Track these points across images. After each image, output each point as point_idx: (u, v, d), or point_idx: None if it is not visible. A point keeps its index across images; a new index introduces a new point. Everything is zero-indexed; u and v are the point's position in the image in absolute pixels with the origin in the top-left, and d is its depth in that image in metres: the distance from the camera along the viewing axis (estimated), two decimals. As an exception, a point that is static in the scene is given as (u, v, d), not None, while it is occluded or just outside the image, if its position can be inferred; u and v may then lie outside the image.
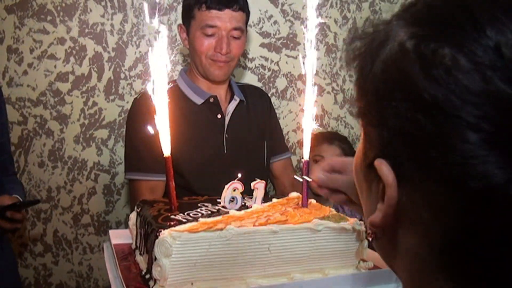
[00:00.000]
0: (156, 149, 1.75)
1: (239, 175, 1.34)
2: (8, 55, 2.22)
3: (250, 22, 2.52)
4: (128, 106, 2.40)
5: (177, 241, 1.06)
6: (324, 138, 2.40)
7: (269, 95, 2.61)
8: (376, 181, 0.54)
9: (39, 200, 1.77)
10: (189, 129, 1.84)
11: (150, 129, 1.23)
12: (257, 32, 2.58)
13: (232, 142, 1.91)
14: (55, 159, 2.34)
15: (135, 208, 1.39)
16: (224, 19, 1.79)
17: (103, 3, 2.33)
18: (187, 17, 1.85)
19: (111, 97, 2.39)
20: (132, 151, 1.87)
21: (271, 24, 2.61)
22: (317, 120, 2.73)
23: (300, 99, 2.70)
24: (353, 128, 2.80)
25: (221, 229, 1.11)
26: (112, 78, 2.38)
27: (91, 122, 2.37)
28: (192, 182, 1.84)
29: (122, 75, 2.40)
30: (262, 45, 2.61)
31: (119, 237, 1.45)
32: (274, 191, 2.36)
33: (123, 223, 2.46)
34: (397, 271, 0.58)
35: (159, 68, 1.25)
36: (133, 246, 1.33)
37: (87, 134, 2.37)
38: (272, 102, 2.62)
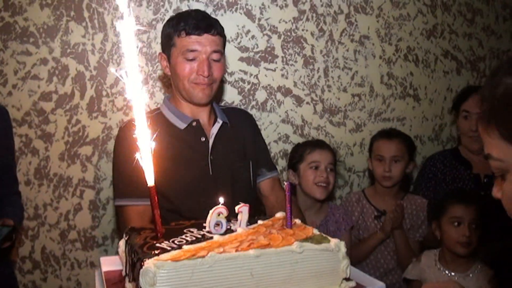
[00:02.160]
0: (143, 175, 1.81)
1: (221, 200, 1.38)
2: (-8, 77, 2.28)
3: (228, 37, 2.59)
4: (110, 123, 2.47)
5: (161, 270, 1.11)
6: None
7: (250, 107, 2.69)
8: None
9: (11, 226, 1.78)
10: (174, 153, 1.88)
11: (137, 155, 1.28)
12: (235, 46, 2.66)
13: (217, 163, 1.96)
14: (41, 177, 2.39)
15: (123, 235, 1.42)
16: (204, 43, 1.86)
17: (83, 24, 2.40)
18: (167, 45, 1.92)
19: (94, 114, 2.45)
20: (120, 178, 1.91)
21: (249, 39, 2.68)
22: (298, 130, 2.83)
23: (280, 110, 2.78)
24: (334, 137, 2.87)
25: (203, 256, 1.15)
26: (94, 96, 2.44)
27: (75, 140, 2.43)
28: (180, 205, 1.88)
29: (104, 93, 2.46)
30: (241, 59, 2.68)
31: (111, 264, 1.48)
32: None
33: (109, 238, 2.51)
34: None
35: (137, 100, 1.30)
36: (123, 273, 1.36)
37: (72, 152, 2.43)
38: (253, 115, 2.69)
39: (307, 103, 2.83)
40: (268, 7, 2.70)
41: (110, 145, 2.47)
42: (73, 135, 2.43)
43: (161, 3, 2.51)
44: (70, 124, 2.42)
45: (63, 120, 2.41)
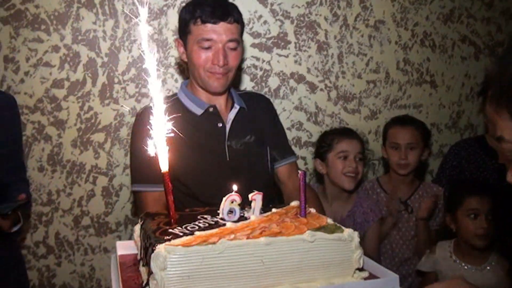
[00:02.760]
0: (158, 162, 1.82)
1: (235, 187, 1.37)
2: (5, 65, 2.30)
3: (240, 23, 2.57)
4: (122, 110, 2.48)
5: (172, 255, 1.11)
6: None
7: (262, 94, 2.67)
8: None
9: (24, 202, 1.81)
10: (191, 139, 1.87)
11: (150, 142, 1.28)
12: (247, 32, 2.63)
13: (234, 149, 1.94)
14: (54, 163, 2.41)
15: (139, 220, 1.44)
16: (220, 32, 1.82)
17: (94, 10, 2.40)
18: (184, 32, 1.89)
19: (106, 101, 2.46)
20: (137, 164, 1.91)
21: (261, 24, 2.65)
22: (312, 118, 2.80)
23: (293, 97, 2.75)
24: (348, 124, 2.82)
25: (214, 243, 1.15)
26: (106, 82, 2.45)
27: (87, 127, 2.45)
28: (197, 191, 1.88)
29: (116, 80, 2.46)
30: (253, 45, 2.65)
31: (126, 248, 1.50)
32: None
33: (122, 224, 2.53)
34: None
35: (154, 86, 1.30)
36: (138, 257, 1.38)
37: (84, 138, 2.44)
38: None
39: (321, 89, 2.79)
40: (281, -9, 2.67)
41: (123, 132, 2.48)
42: (86, 122, 2.44)
43: (172, -11, 2.49)
44: (82, 111, 2.43)
45: (75, 107, 2.42)
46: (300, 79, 2.75)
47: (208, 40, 1.82)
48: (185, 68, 2.46)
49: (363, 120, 2.88)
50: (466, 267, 2.15)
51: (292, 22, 2.71)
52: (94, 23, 2.41)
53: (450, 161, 2.61)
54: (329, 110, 2.82)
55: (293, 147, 2.76)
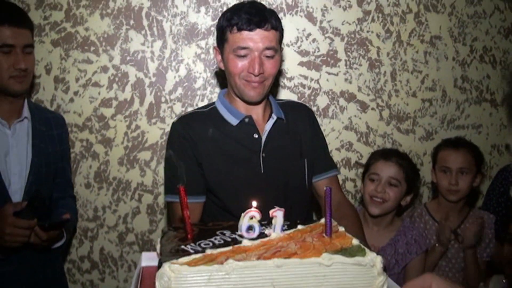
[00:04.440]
0: (192, 173, 1.81)
1: (254, 204, 1.31)
2: (55, 85, 2.41)
3: (287, 41, 2.55)
4: (169, 129, 2.50)
5: (176, 275, 1.08)
6: (380, 155, 2.34)
7: (310, 113, 2.61)
8: None
9: (66, 220, 1.86)
10: (226, 150, 1.85)
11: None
12: (295, 51, 2.59)
13: (269, 161, 1.88)
14: (101, 180, 2.48)
15: (161, 233, 1.43)
16: (256, 39, 1.77)
17: (143, 32, 2.46)
18: (221, 40, 1.86)
19: (153, 120, 2.50)
20: (170, 174, 1.91)
21: (310, 42, 2.60)
22: (362, 138, 2.70)
23: (342, 117, 2.66)
24: (401, 146, 2.70)
25: (222, 263, 1.10)
26: (153, 102, 2.49)
27: (134, 145, 2.50)
28: (229, 204, 1.84)
29: (163, 99, 2.50)
30: (301, 63, 2.61)
31: (152, 259, 1.48)
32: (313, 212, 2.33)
33: (165, 242, 2.54)
34: None
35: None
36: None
37: (131, 156, 2.50)
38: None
39: (373, 108, 2.69)
40: (331, 8, 2.60)
41: (169, 151, 2.52)
42: (132, 140, 2.49)
43: (220, 10, 2.50)
44: (130, 130, 2.49)
45: (122, 126, 2.48)
46: (351, 97, 2.67)
47: (244, 48, 1.77)
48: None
49: (417, 141, 2.74)
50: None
51: (342, 39, 2.63)
52: (143, 44, 2.47)
53: (497, 188, 2.41)
54: (381, 130, 2.71)
55: (342, 169, 2.69)
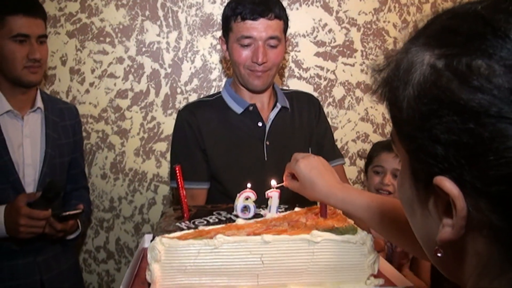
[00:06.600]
0: (196, 159, 1.83)
1: (249, 185, 1.35)
2: (71, 76, 2.42)
3: (303, 31, 2.53)
4: (183, 120, 2.51)
5: (166, 247, 1.11)
6: (383, 146, 2.29)
7: (326, 104, 2.59)
8: (433, 200, 0.57)
9: (80, 211, 1.86)
10: (230, 137, 1.88)
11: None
12: (311, 41, 2.57)
13: (273, 149, 1.90)
14: (117, 171, 2.49)
15: (161, 214, 1.47)
16: (259, 29, 1.78)
17: (158, 23, 2.45)
18: (226, 29, 1.88)
19: (169, 112, 2.50)
20: (175, 160, 1.93)
21: (326, 33, 2.58)
22: (378, 129, 2.67)
23: (358, 108, 2.64)
24: (418, 136, 2.67)
25: (211, 237, 1.13)
26: (169, 93, 2.49)
27: (150, 136, 2.50)
28: (232, 190, 1.83)
29: (179, 90, 2.50)
30: (317, 54, 2.58)
31: None
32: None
33: (181, 233, 2.55)
34: (462, 279, 0.60)
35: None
36: None
37: (147, 147, 2.50)
38: (330, 112, 2.59)
39: (389, 100, 2.66)
40: (347, -2, 2.58)
41: (184, 142, 2.52)
42: (148, 131, 2.50)
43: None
44: (145, 121, 2.49)
45: (138, 117, 2.49)
46: (367, 89, 2.64)
47: (247, 37, 1.79)
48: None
49: (434, 133, 2.71)
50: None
51: (358, 30, 2.61)
52: (158, 35, 2.46)
53: None
54: (397, 122, 2.68)
55: (357, 160, 2.67)
